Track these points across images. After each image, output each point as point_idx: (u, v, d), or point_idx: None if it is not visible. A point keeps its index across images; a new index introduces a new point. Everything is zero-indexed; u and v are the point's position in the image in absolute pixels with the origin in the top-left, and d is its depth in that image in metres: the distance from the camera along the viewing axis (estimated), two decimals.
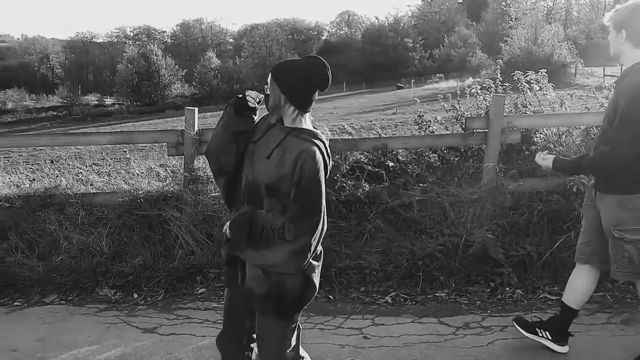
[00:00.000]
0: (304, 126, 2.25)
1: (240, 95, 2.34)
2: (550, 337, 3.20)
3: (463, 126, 5.10)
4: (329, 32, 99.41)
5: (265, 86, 2.25)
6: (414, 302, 4.01)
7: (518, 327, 3.28)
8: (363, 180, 4.84)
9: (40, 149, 15.35)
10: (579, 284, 3.15)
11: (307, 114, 2.28)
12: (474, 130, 4.83)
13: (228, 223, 2.27)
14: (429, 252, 4.25)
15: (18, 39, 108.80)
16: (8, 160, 6.46)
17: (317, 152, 2.16)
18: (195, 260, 4.48)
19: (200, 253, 4.54)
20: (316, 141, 2.20)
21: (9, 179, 5.27)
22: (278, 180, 2.16)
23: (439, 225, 4.54)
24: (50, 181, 5.16)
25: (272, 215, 2.17)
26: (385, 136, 5.56)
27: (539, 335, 3.22)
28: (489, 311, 3.83)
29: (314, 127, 2.30)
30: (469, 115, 5.19)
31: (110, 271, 4.44)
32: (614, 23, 2.84)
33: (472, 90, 5.34)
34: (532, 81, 5.25)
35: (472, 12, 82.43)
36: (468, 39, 70.70)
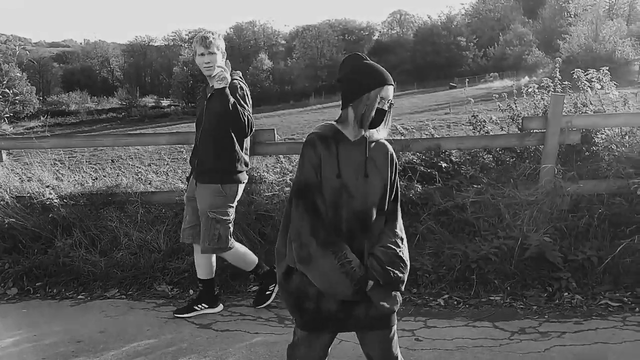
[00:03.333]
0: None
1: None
2: (207, 306, 3.95)
3: (519, 126, 4.97)
4: (380, 32, 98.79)
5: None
6: (467, 306, 3.95)
7: (179, 316, 3.90)
8: (415, 181, 4.79)
9: (101, 149, 15.97)
10: (201, 260, 3.92)
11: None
12: (532, 131, 4.71)
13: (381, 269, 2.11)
14: (483, 255, 4.16)
15: (81, 43, 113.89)
16: (72, 160, 6.76)
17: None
18: None
19: (253, 251, 4.61)
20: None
21: (74, 177, 5.51)
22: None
23: (494, 228, 4.44)
24: (111, 180, 5.37)
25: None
26: (438, 136, 5.49)
27: (198, 310, 3.92)
28: (546, 316, 3.72)
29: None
30: (526, 115, 5.06)
31: (167, 268, 4.59)
32: (217, 51, 3.83)
33: (530, 90, 5.19)
34: (593, 79, 5.05)
35: (529, 9, 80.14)
36: (524, 37, 68.91)
